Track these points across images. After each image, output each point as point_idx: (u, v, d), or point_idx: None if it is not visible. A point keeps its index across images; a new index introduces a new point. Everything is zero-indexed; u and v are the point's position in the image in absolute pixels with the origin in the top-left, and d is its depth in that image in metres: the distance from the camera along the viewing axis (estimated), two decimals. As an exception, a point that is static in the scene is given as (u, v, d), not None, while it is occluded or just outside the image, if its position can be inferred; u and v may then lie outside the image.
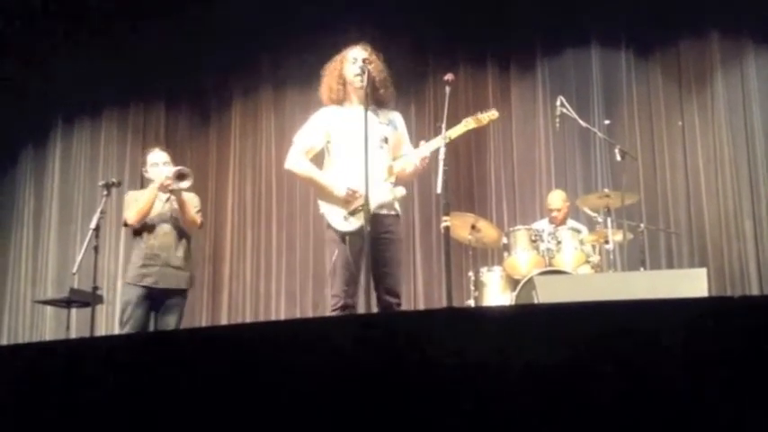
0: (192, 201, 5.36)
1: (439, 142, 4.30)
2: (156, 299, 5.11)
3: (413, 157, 4.42)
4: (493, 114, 4.51)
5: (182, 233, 5.24)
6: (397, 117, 4.57)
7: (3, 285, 9.23)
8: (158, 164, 5.28)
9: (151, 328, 5.13)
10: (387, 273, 4.27)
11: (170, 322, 5.10)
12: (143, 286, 5.08)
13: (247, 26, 8.62)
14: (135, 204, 5.18)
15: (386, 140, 4.40)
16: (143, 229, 5.16)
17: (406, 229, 7.67)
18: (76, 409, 2.17)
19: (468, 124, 4.44)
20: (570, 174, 7.88)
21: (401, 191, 4.41)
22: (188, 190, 5.23)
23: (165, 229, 5.19)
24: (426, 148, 4.38)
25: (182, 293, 5.21)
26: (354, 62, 4.39)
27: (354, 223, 4.23)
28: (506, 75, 8.32)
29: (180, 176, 5.11)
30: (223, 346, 2.14)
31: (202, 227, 5.51)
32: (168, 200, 5.22)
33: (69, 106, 9.38)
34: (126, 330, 5.02)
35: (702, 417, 1.76)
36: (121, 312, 5.14)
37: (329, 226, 4.34)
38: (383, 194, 4.29)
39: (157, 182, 5.14)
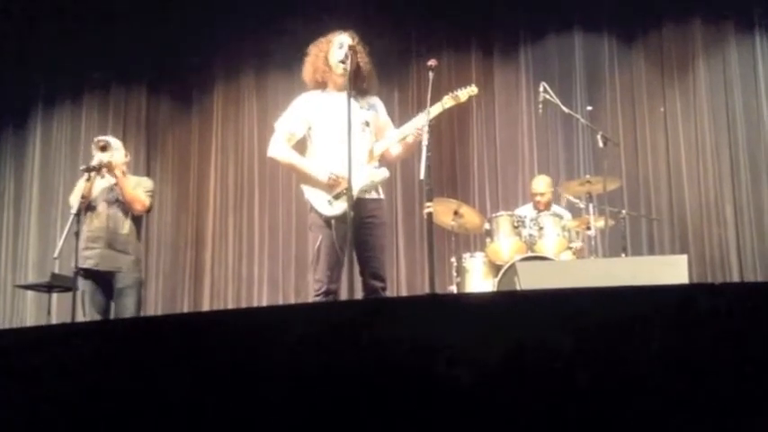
0: (143, 183, 5.33)
1: (420, 121, 4.31)
2: (103, 282, 5.09)
3: (394, 136, 4.44)
4: (472, 90, 4.50)
5: (127, 214, 5.19)
6: (377, 102, 4.57)
7: (-17, 270, 9.17)
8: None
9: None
10: (371, 257, 4.28)
11: (126, 305, 5.06)
12: (86, 269, 5.06)
13: (229, 9, 8.56)
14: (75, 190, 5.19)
15: (367, 124, 4.41)
16: (88, 211, 5.15)
17: (388, 214, 7.67)
18: (53, 397, 2.16)
19: (446, 102, 4.43)
20: (553, 159, 7.91)
21: (383, 173, 4.41)
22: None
23: (109, 211, 5.15)
24: (408, 126, 4.39)
25: (130, 275, 5.15)
26: (340, 47, 4.38)
27: (339, 207, 4.23)
28: (489, 60, 8.33)
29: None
30: (205, 333, 2.14)
31: (151, 210, 5.43)
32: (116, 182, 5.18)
33: (50, 89, 9.29)
34: (87, 317, 4.99)
35: (683, 401, 1.78)
36: (81, 304, 5.12)
37: (313, 210, 4.33)
38: (365, 178, 4.29)
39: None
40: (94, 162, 5.06)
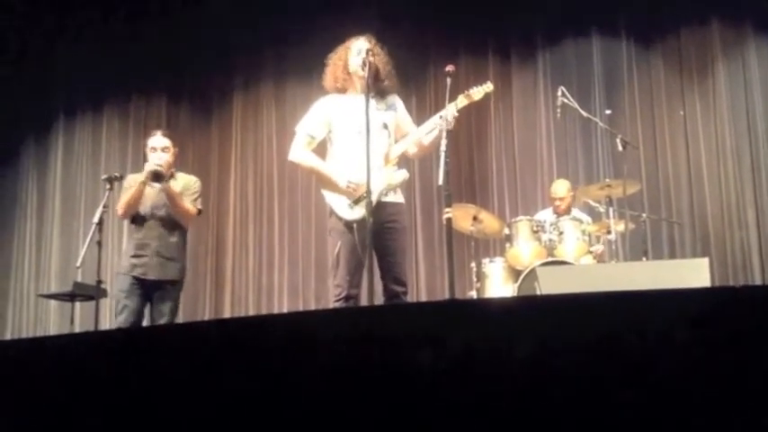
0: (190, 187, 5.27)
1: (436, 121, 4.33)
2: (147, 289, 5.07)
3: (412, 137, 4.47)
4: (488, 87, 4.50)
5: (175, 223, 5.16)
6: (395, 100, 4.59)
7: (6, 280, 9.25)
8: (157, 149, 5.17)
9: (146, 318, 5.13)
10: (393, 261, 4.28)
11: (163, 312, 5.05)
12: (133, 276, 5.05)
13: (247, 18, 8.61)
14: (123, 196, 5.16)
15: (385, 126, 4.43)
16: (136, 218, 5.13)
17: (408, 219, 7.66)
18: (66, 405, 2.17)
19: (460, 102, 4.44)
20: (572, 164, 7.88)
21: (402, 175, 4.42)
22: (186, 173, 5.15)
23: (158, 218, 5.11)
24: (425, 127, 4.42)
25: (174, 283, 5.14)
26: (359, 53, 4.41)
27: (360, 211, 4.24)
28: (507, 65, 8.31)
29: (155, 177, 4.99)
30: (228, 339, 2.15)
31: (201, 214, 5.40)
32: (163, 189, 5.12)
33: (71, 100, 9.38)
34: (120, 320, 4.99)
35: (705, 405, 1.77)
36: (116, 303, 5.11)
37: (334, 215, 4.35)
38: (383, 180, 4.30)
39: (143, 176, 5.04)
40: (151, 179, 5.01)
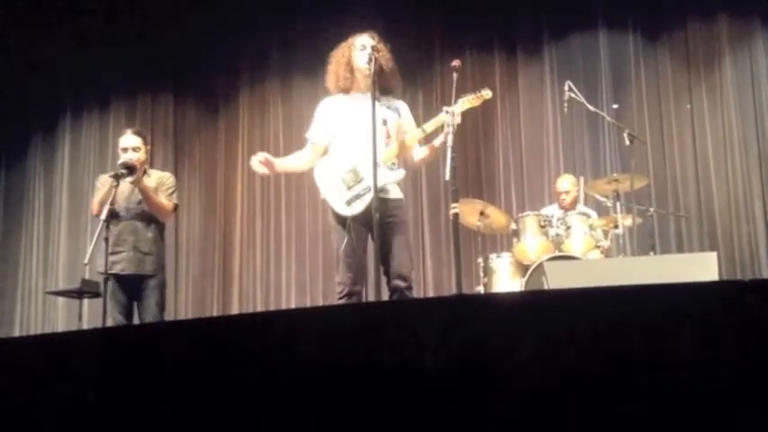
0: (165, 182, 5.30)
1: (442, 119, 4.32)
2: (129, 285, 5.10)
3: (418, 131, 4.48)
4: (487, 94, 4.51)
5: (151, 218, 5.19)
6: (401, 105, 4.60)
7: (14, 276, 9.29)
8: (128, 149, 5.19)
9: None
10: (394, 257, 4.27)
11: (149, 308, 5.08)
12: (113, 274, 5.07)
13: (253, 16, 8.62)
14: (96, 194, 5.17)
15: (384, 122, 4.41)
16: (111, 216, 5.14)
17: (414, 215, 7.68)
18: (72, 403, 2.18)
19: (463, 105, 4.43)
20: (579, 158, 7.87)
21: (399, 174, 4.43)
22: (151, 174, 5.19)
23: (133, 214, 5.15)
24: (430, 125, 4.41)
25: (154, 277, 5.16)
26: (363, 49, 4.40)
27: (356, 208, 4.25)
28: (513, 60, 8.30)
29: (127, 169, 4.98)
30: (234, 336, 2.15)
31: (177, 209, 5.43)
32: (134, 183, 5.11)
33: (78, 98, 9.40)
34: (109, 319, 5.01)
35: (714, 400, 1.76)
36: (103, 303, 5.14)
37: (332, 212, 4.36)
38: (381, 177, 4.28)
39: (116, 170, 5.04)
40: (122, 169, 5.03)
